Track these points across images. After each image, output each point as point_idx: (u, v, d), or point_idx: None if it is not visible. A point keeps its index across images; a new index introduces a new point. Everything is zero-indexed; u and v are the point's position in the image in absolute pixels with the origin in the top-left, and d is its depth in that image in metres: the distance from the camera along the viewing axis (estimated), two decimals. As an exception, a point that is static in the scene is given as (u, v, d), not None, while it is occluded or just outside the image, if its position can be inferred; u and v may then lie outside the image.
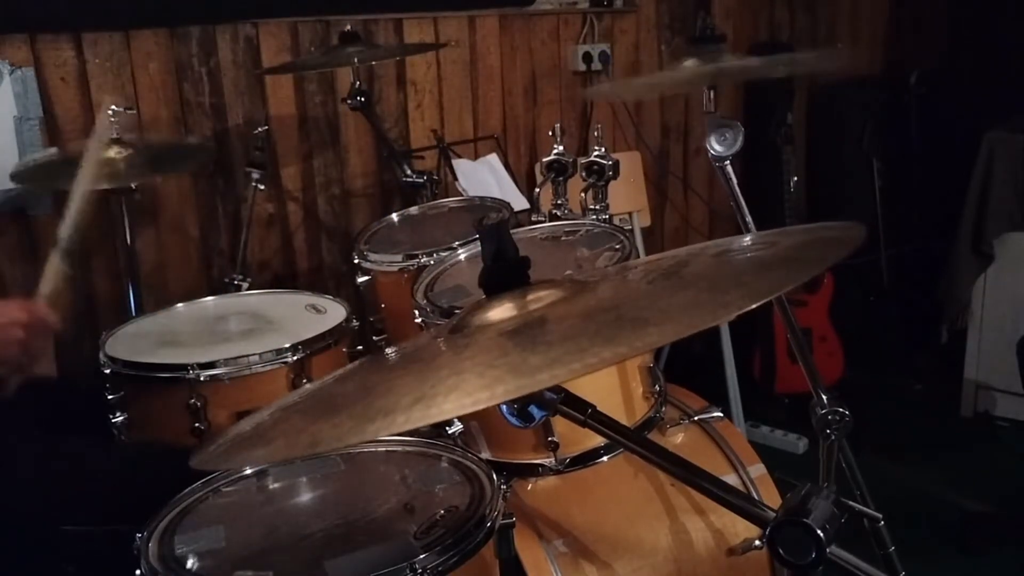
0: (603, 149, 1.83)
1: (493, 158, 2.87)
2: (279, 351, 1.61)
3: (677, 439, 1.58)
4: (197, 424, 1.56)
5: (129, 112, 2.15)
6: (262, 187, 2.39)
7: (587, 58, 3.26)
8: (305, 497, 1.27)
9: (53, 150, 2.26)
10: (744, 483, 1.52)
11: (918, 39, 3.96)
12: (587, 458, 1.41)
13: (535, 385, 0.71)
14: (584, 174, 1.83)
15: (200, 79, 2.56)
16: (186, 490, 1.27)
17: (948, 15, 4.00)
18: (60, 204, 2.34)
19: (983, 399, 3.27)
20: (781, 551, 0.83)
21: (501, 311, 0.89)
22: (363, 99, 2.36)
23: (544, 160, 1.92)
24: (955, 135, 3.46)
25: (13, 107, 2.26)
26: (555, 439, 1.36)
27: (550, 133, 1.91)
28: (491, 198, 2.21)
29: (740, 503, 0.90)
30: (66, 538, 1.48)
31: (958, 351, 3.30)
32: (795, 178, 3.38)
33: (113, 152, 2.07)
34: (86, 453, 1.60)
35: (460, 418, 1.48)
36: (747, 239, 1.06)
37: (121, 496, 1.47)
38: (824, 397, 1.55)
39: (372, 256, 1.90)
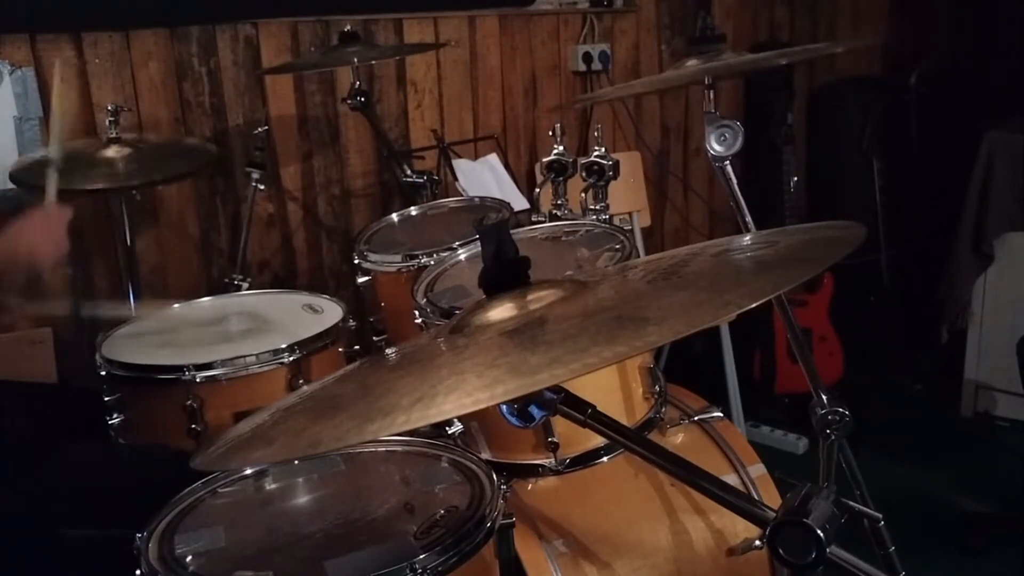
0: (603, 149, 1.82)
1: (493, 158, 2.87)
2: (276, 351, 1.61)
3: (677, 439, 1.58)
4: (194, 425, 1.56)
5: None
6: (262, 187, 2.39)
7: (587, 58, 3.26)
8: (305, 497, 1.27)
9: (55, 147, 2.25)
10: (744, 483, 1.52)
11: (918, 39, 3.96)
12: (587, 458, 1.41)
13: (535, 385, 0.71)
14: (584, 174, 1.83)
15: (200, 79, 2.56)
16: (186, 490, 1.27)
17: (948, 15, 4.00)
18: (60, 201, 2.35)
19: (983, 399, 3.27)
20: (781, 551, 0.83)
21: (501, 311, 0.89)
22: (363, 99, 2.36)
23: (544, 160, 1.92)
24: (955, 135, 3.46)
25: (13, 107, 2.26)
26: (555, 439, 1.36)
27: (550, 133, 1.91)
28: (491, 198, 2.20)
29: (740, 503, 0.89)
30: (65, 542, 1.48)
31: (958, 351, 3.29)
32: (795, 178, 3.38)
33: (112, 152, 2.07)
34: (84, 457, 1.60)
35: (460, 418, 1.48)
36: (747, 239, 1.06)
37: (120, 500, 1.47)
38: (824, 397, 1.55)
39: (372, 256, 1.90)
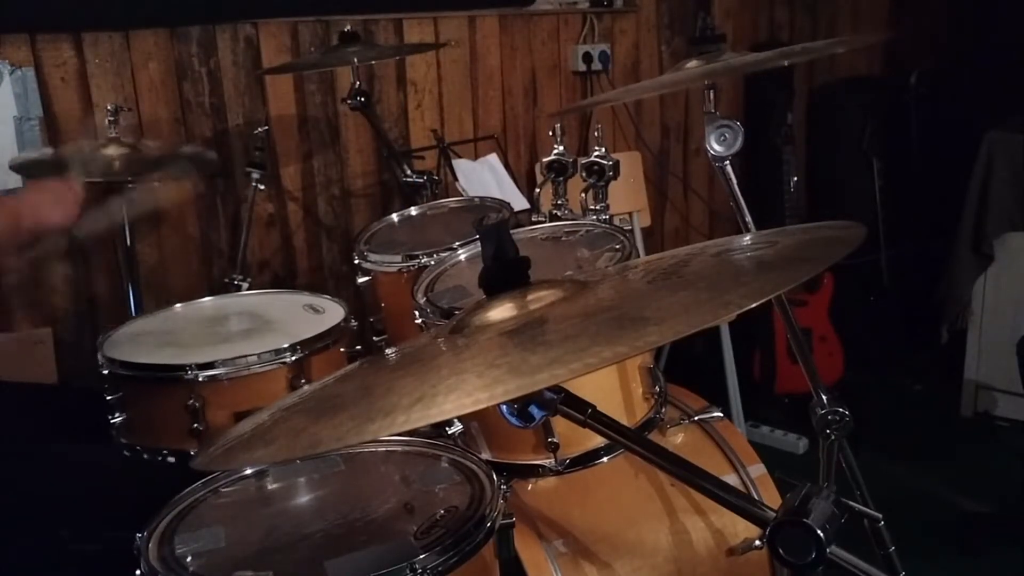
0: (603, 149, 1.82)
1: (493, 158, 2.87)
2: (278, 351, 1.60)
3: (677, 439, 1.58)
4: (196, 425, 1.56)
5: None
6: (262, 187, 2.39)
7: (587, 58, 3.26)
8: (305, 497, 1.27)
9: (48, 150, 2.26)
10: (744, 483, 1.52)
11: (918, 39, 3.97)
12: (587, 458, 1.41)
13: (535, 385, 0.71)
14: (584, 174, 1.83)
15: (200, 79, 2.56)
16: (186, 490, 1.27)
17: (948, 15, 4.00)
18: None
19: (983, 399, 3.27)
20: (781, 551, 0.83)
21: (501, 311, 0.89)
22: (363, 99, 2.36)
23: (544, 160, 1.92)
24: (955, 135, 3.46)
25: (13, 107, 2.26)
26: (555, 440, 1.36)
27: (550, 133, 1.91)
28: (491, 198, 2.20)
29: (740, 503, 0.90)
30: (65, 543, 1.48)
31: (958, 351, 3.30)
32: (795, 178, 3.38)
33: (111, 150, 2.07)
34: (84, 457, 1.60)
35: (460, 418, 1.48)
36: (747, 239, 1.06)
37: (120, 500, 1.47)
38: (824, 397, 1.55)
39: (372, 256, 1.89)
